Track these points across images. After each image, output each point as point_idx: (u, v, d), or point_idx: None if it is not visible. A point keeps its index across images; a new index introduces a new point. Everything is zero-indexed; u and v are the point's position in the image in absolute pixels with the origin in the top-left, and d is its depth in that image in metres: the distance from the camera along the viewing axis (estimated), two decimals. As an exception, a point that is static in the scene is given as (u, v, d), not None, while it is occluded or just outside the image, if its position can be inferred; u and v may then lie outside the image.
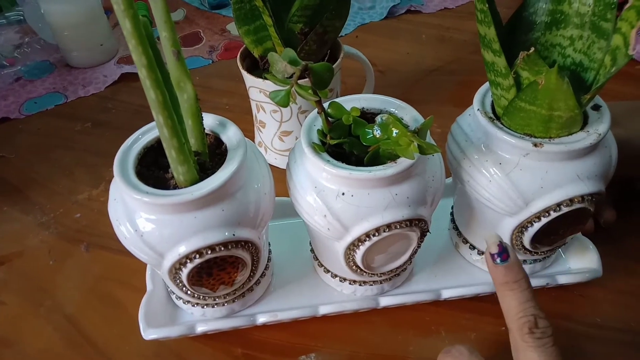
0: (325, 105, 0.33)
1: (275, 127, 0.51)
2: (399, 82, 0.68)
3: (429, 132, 0.32)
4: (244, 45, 0.51)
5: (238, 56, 0.51)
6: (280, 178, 0.37)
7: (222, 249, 0.30)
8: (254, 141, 0.57)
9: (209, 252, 0.30)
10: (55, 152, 0.59)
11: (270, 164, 0.55)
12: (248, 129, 0.58)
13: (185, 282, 0.32)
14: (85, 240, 0.48)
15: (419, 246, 0.35)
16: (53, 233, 0.49)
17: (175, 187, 0.31)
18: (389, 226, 0.32)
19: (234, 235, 0.30)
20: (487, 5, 0.29)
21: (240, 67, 0.49)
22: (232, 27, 0.81)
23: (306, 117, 0.50)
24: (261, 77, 0.47)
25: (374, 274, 0.37)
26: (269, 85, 0.47)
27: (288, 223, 0.45)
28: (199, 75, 0.70)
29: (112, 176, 0.56)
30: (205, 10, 0.86)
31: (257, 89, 0.48)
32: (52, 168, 0.57)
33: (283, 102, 0.30)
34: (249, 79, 0.48)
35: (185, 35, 0.80)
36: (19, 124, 0.63)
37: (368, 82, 0.56)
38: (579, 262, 0.40)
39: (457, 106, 0.62)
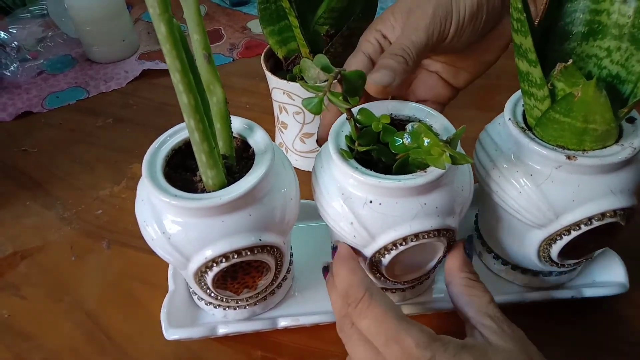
0: (355, 110, 0.33)
1: (297, 129, 0.51)
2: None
3: (458, 140, 0.31)
4: (268, 46, 0.50)
5: (262, 56, 0.50)
6: (302, 180, 0.36)
7: (249, 253, 0.30)
8: (274, 141, 0.57)
9: (236, 256, 0.30)
10: (77, 147, 0.59)
11: (290, 165, 0.55)
12: (268, 129, 0.56)
13: (210, 285, 0.32)
14: (107, 237, 0.48)
15: (444, 256, 0.34)
16: (75, 229, 0.49)
17: (203, 190, 0.30)
18: (416, 236, 0.31)
19: (260, 240, 0.30)
20: (524, 15, 0.28)
21: (265, 68, 0.49)
22: (253, 25, 0.81)
23: (329, 119, 0.50)
24: (285, 78, 0.47)
25: (397, 282, 0.36)
26: (293, 87, 0.47)
27: (309, 226, 0.45)
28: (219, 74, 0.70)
29: (134, 173, 0.56)
30: (226, 7, 0.86)
31: (281, 90, 0.48)
32: (74, 163, 0.57)
33: (316, 109, 0.30)
34: (273, 80, 0.48)
35: (205, 32, 0.80)
36: (41, 118, 0.64)
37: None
38: (606, 275, 0.40)
39: (481, 110, 0.61)
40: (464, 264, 0.33)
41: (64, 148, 0.59)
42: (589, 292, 0.38)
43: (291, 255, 0.40)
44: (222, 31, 0.80)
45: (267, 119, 0.57)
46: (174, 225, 0.30)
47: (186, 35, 0.29)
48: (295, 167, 0.54)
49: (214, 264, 0.30)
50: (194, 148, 0.28)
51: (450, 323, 0.39)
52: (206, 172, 0.29)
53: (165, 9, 0.25)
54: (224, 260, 0.30)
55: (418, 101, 0.45)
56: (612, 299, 0.39)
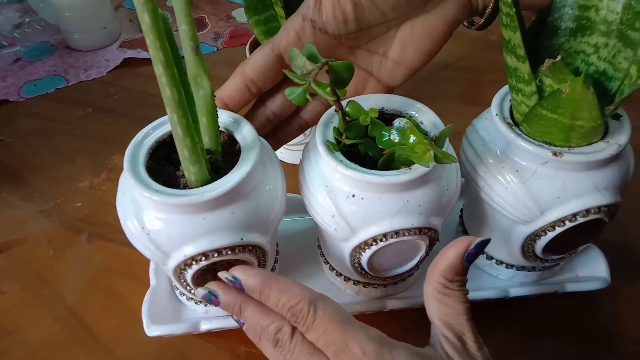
0: (344, 102, 0.32)
1: (283, 121, 0.50)
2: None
3: (447, 139, 0.31)
4: (253, 36, 0.49)
5: (247, 47, 0.50)
6: (288, 173, 0.36)
7: (229, 252, 0.29)
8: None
9: (216, 255, 0.29)
10: (56, 138, 0.58)
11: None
12: (254, 121, 0.57)
13: (189, 281, 0.31)
14: (87, 230, 0.47)
15: (427, 254, 0.34)
16: (54, 221, 0.48)
17: (186, 185, 0.30)
18: (397, 233, 0.31)
19: (242, 239, 0.30)
20: (514, 10, 0.28)
21: (250, 59, 0.48)
22: (238, 14, 0.80)
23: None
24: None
25: (378, 277, 0.36)
26: (278, 79, 0.46)
27: (296, 220, 0.44)
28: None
29: (114, 164, 0.55)
30: (211, -6, 0.84)
31: (266, 81, 0.47)
32: (53, 154, 0.55)
33: (299, 99, 0.29)
34: (258, 71, 0.47)
35: (189, 20, 0.78)
36: (18, 107, 0.62)
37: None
38: (588, 270, 0.40)
39: (468, 104, 0.61)
40: (449, 270, 0.28)
41: (42, 138, 0.57)
42: (571, 287, 0.38)
43: (277, 251, 0.40)
44: (206, 20, 0.79)
45: (252, 111, 0.56)
46: (154, 220, 0.29)
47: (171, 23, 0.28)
48: (281, 160, 0.54)
49: (194, 262, 0.29)
50: (177, 143, 0.28)
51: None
52: (188, 168, 0.28)
53: (148, -3, 0.24)
54: (203, 258, 0.29)
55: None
56: (597, 294, 0.40)
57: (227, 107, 0.37)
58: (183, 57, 0.30)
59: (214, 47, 0.73)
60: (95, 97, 0.64)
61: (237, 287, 0.30)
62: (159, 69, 0.25)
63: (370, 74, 0.38)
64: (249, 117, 0.39)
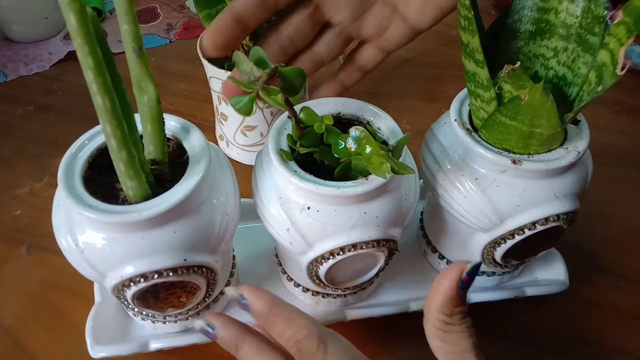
0: (298, 107, 0.31)
1: (238, 121, 0.48)
2: (368, 75, 0.65)
3: (406, 147, 0.30)
4: (205, 30, 0.47)
5: (198, 42, 0.47)
6: (246, 175, 0.34)
7: (171, 274, 0.27)
8: (214, 133, 0.54)
9: (156, 276, 0.27)
10: (-8, 139, 0.53)
11: (232, 159, 0.52)
12: (208, 120, 0.54)
13: (130, 302, 0.29)
14: (27, 242, 0.44)
15: (386, 264, 0.33)
16: (-11, 232, 0.45)
17: (125, 200, 0.27)
18: (354, 246, 0.30)
19: (185, 260, 0.27)
20: (472, 13, 0.27)
21: (201, 56, 0.45)
22: (192, 4, 0.76)
23: (271, 112, 0.47)
24: (223, 68, 0.44)
25: (337, 288, 0.35)
26: (231, 78, 0.44)
27: (254, 226, 0.42)
28: (154, 57, 0.65)
29: (57, 168, 0.51)
30: (163, -17, 0.80)
31: (219, 80, 0.45)
32: (-11, 157, 0.51)
33: (245, 110, 0.27)
34: (210, 69, 0.45)
35: (140, 11, 0.74)
36: (-50, 105, 0.57)
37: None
38: (547, 273, 0.40)
39: (428, 101, 0.60)
40: (446, 304, 0.25)
41: (-23, 140, 0.53)
42: (530, 291, 0.38)
43: (234, 257, 0.38)
44: (158, 10, 0.75)
45: (207, 108, 0.53)
46: (88, 238, 0.27)
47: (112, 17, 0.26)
48: (237, 161, 0.52)
49: (132, 283, 0.27)
50: (112, 156, 0.25)
51: (396, 327, 0.39)
52: (125, 183, 0.26)
53: (76, -4, 0.21)
54: (142, 279, 0.27)
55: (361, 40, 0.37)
56: (552, 296, 0.40)
57: (241, 23, 0.32)
58: (119, 52, 0.27)
59: (167, 40, 0.69)
60: (37, 93, 0.59)
61: (241, 305, 0.27)
62: (88, 76, 0.23)
63: (395, 10, 0.33)
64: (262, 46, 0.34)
